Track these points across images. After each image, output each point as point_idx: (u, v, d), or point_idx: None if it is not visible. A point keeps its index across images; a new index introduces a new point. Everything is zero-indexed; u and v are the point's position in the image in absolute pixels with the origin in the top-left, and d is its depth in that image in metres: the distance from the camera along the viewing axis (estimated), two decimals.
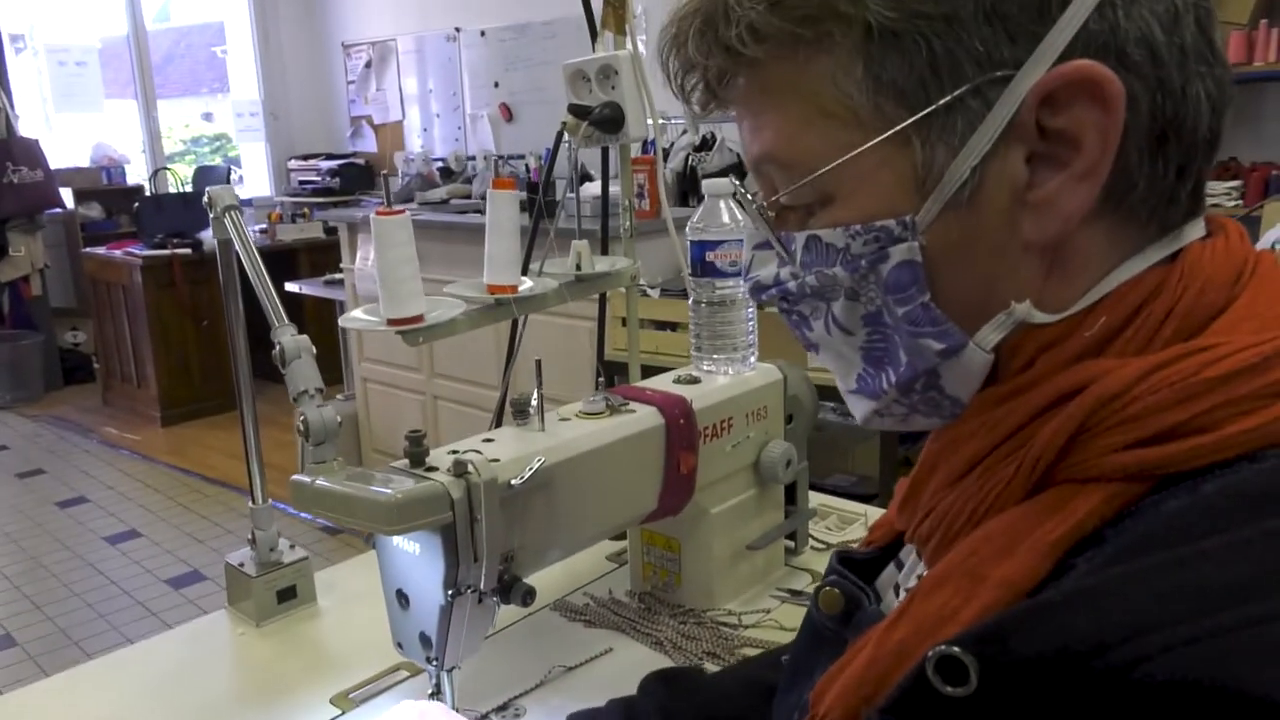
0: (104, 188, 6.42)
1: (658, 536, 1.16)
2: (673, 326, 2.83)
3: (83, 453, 5.07)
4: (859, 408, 0.57)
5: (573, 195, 1.37)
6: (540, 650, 1.07)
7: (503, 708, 0.97)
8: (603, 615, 1.13)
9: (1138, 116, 0.46)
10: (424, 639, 0.88)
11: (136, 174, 6.68)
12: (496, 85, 5.76)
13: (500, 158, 5.55)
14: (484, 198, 1.24)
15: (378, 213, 0.98)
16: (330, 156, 6.75)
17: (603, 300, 1.52)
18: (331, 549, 3.68)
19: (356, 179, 6.54)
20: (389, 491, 0.80)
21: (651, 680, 0.84)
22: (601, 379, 1.12)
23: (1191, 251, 0.49)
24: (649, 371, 1.24)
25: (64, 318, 6.35)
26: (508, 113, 5.76)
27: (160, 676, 1.08)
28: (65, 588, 3.54)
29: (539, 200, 1.26)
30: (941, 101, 0.47)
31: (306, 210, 6.30)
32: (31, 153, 5.72)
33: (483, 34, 5.76)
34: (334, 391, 4.68)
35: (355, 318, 1.02)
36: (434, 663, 0.89)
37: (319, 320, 5.14)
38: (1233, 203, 3.29)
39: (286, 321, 0.99)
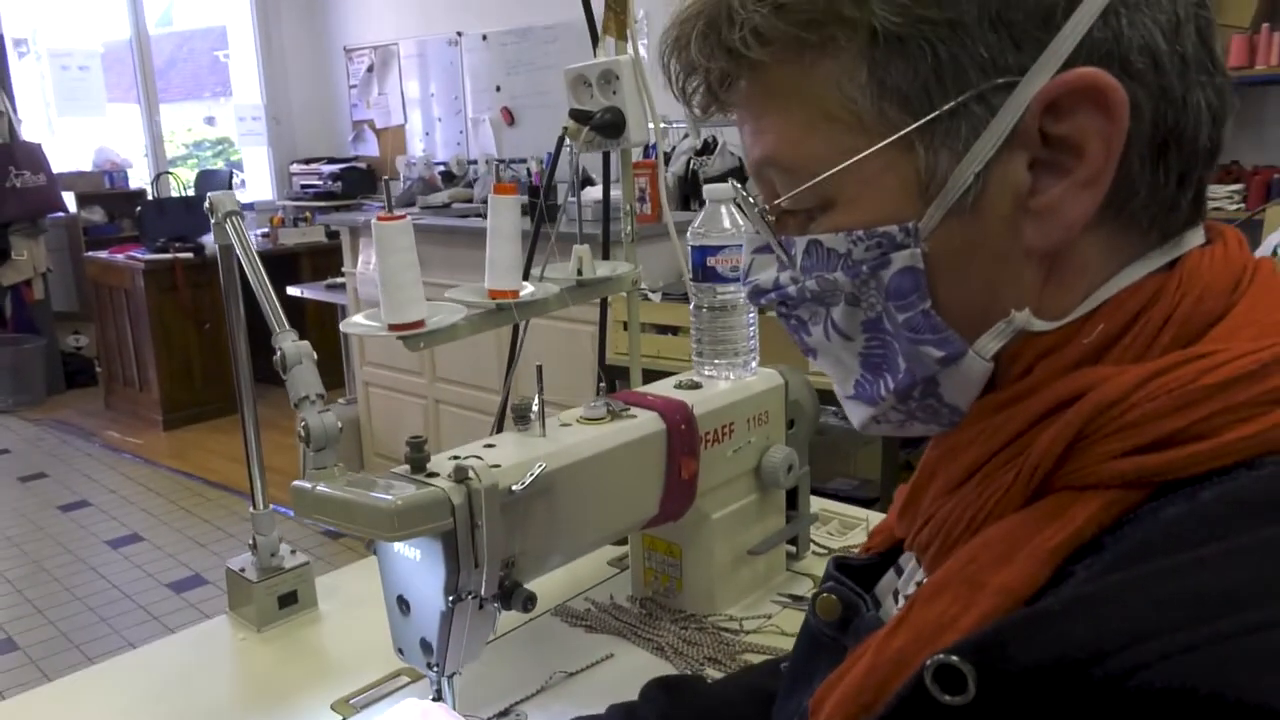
0: (106, 192, 6.44)
1: (659, 542, 1.16)
2: (674, 330, 2.83)
3: (85, 456, 5.08)
4: (856, 414, 0.57)
5: (574, 200, 1.38)
6: (541, 656, 1.07)
7: (504, 713, 0.97)
8: (604, 620, 1.13)
9: (1140, 125, 0.46)
10: (425, 645, 0.88)
11: (139, 178, 6.69)
12: (498, 89, 5.77)
13: (502, 162, 5.56)
14: (485, 202, 1.24)
15: (379, 218, 0.98)
16: (332, 160, 6.76)
17: (604, 304, 1.52)
18: (334, 552, 3.68)
19: (358, 183, 6.55)
20: (389, 498, 0.80)
21: (653, 687, 0.84)
22: (603, 384, 1.12)
23: (1190, 259, 0.49)
24: (650, 375, 1.24)
25: (66, 321, 6.36)
26: (509, 116, 5.77)
27: (161, 682, 1.08)
28: (67, 591, 3.54)
29: (540, 205, 1.26)
30: (946, 107, 0.47)
31: (308, 214, 6.31)
32: (34, 157, 5.74)
33: (484, 38, 5.77)
34: (336, 395, 4.68)
35: (356, 323, 1.02)
36: (435, 669, 0.89)
37: (321, 324, 5.15)
38: (1234, 206, 3.28)
39: (287, 327, 1.00)
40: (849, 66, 0.48)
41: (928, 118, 0.47)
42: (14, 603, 3.47)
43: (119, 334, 5.69)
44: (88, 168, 6.48)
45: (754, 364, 1.17)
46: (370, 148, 6.75)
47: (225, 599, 1.21)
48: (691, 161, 4.13)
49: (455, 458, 0.87)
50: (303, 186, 6.76)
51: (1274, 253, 1.36)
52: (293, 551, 1.21)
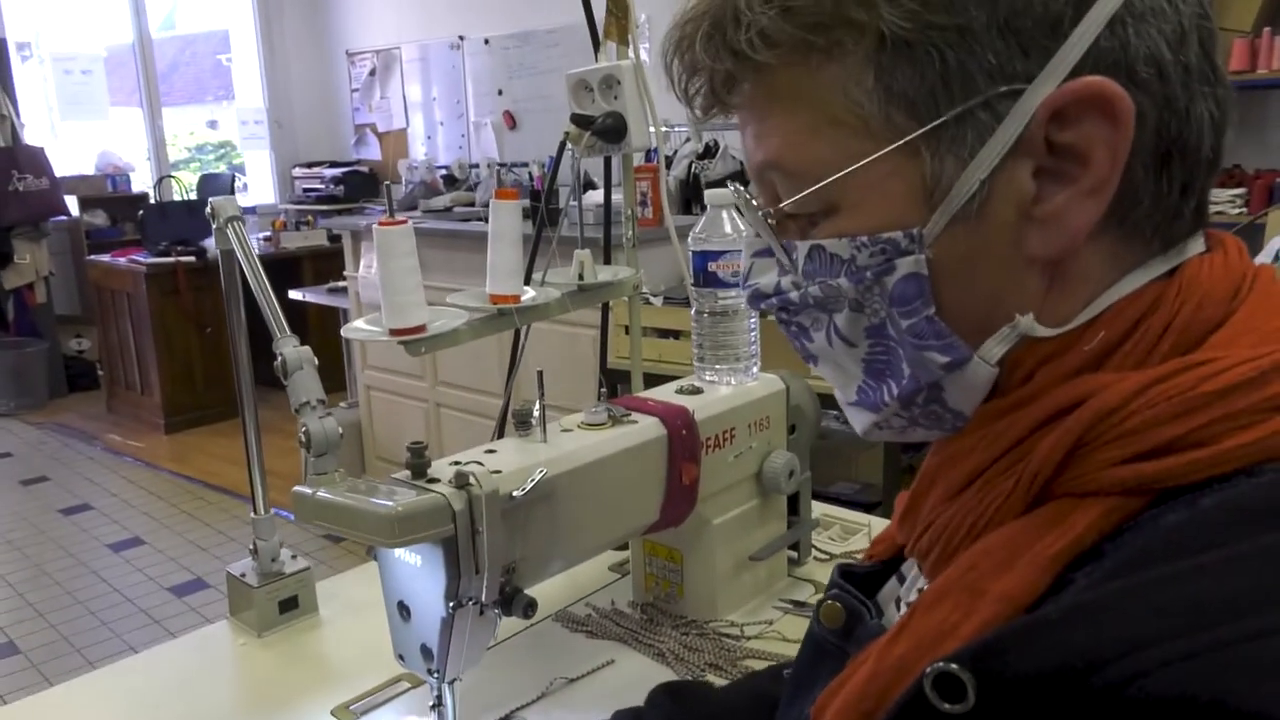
0: (109, 195, 6.45)
1: (660, 547, 1.16)
2: (676, 334, 2.83)
3: (86, 460, 5.08)
4: (859, 420, 0.56)
5: (575, 204, 1.38)
6: (542, 662, 1.07)
7: (505, 719, 0.97)
8: (605, 626, 1.13)
9: (1144, 134, 0.46)
10: (425, 651, 0.88)
11: (141, 181, 6.70)
12: (500, 93, 5.78)
13: (503, 165, 5.57)
14: (487, 205, 1.24)
15: (380, 223, 0.98)
16: (334, 164, 6.77)
17: (605, 309, 1.53)
18: (335, 556, 3.68)
19: (360, 186, 6.56)
20: (390, 504, 0.80)
21: (659, 693, 0.84)
22: (604, 389, 1.12)
23: (1190, 266, 0.49)
24: (652, 379, 1.24)
25: (68, 325, 6.37)
26: (511, 120, 5.78)
27: (161, 687, 1.08)
28: (68, 595, 3.54)
29: (542, 209, 1.26)
30: (952, 113, 0.47)
31: (310, 218, 6.32)
32: (37, 160, 5.75)
33: (486, 42, 5.78)
34: (337, 398, 4.68)
35: (358, 328, 1.02)
36: (435, 674, 0.89)
37: (322, 327, 5.16)
38: (1236, 210, 3.28)
39: (289, 332, 1.00)
40: (855, 71, 0.48)
41: (934, 123, 0.47)
42: (15, 606, 3.47)
43: (121, 337, 5.70)
44: (90, 171, 6.50)
45: (755, 369, 1.17)
46: (372, 151, 6.76)
47: (226, 603, 1.22)
48: (693, 165, 4.14)
49: (456, 463, 0.87)
50: (305, 190, 6.77)
51: (1275, 258, 1.36)
52: (294, 556, 1.21)
